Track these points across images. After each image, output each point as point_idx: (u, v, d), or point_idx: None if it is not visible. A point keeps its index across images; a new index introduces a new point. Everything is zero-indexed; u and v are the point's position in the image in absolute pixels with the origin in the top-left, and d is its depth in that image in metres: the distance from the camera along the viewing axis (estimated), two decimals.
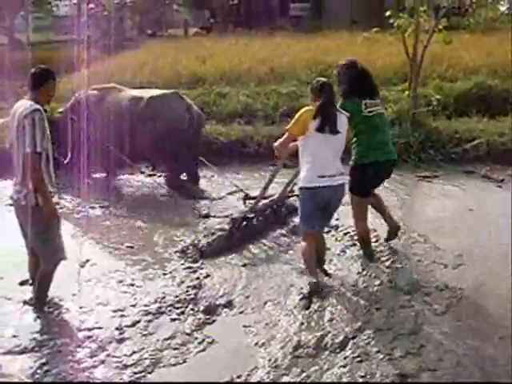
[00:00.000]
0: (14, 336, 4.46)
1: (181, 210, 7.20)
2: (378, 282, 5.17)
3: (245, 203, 6.73)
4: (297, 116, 5.14)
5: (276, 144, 5.30)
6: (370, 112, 5.57)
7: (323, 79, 5.36)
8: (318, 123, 5.00)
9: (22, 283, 5.23)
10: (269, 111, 10.81)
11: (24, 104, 4.67)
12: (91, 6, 30.40)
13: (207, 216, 6.98)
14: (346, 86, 5.68)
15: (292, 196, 6.67)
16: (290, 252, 5.92)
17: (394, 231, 5.97)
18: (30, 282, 5.19)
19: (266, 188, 6.32)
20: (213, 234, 6.11)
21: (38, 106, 4.62)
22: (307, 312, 4.72)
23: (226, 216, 6.67)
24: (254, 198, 6.56)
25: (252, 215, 6.36)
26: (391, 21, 9.93)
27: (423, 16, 9.91)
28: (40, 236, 4.79)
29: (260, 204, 6.42)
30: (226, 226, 6.16)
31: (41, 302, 4.90)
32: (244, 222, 6.26)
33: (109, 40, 24.52)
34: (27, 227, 4.77)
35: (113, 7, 28.08)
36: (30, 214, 4.66)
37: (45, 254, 4.87)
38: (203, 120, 8.44)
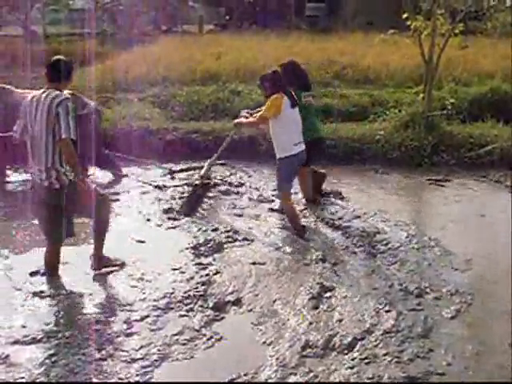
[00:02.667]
0: (23, 326, 4.47)
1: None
2: (387, 285, 5.16)
3: (173, 177, 8.00)
4: (271, 103, 6.24)
5: (246, 122, 6.93)
6: (306, 102, 6.89)
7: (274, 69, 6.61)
8: (290, 102, 6.26)
9: (32, 274, 5.26)
10: None
11: (50, 93, 4.86)
12: (107, 0, 30.53)
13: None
14: (289, 81, 6.59)
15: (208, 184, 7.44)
16: (300, 251, 5.91)
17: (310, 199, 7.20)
18: (42, 272, 5.25)
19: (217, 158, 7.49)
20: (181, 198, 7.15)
21: (68, 95, 4.89)
22: (316, 312, 4.71)
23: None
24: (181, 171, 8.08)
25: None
26: (408, 23, 9.90)
27: (440, 19, 9.86)
28: (57, 216, 5.07)
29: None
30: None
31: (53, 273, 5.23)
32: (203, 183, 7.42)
33: (124, 35, 24.59)
34: (50, 208, 5.05)
35: (129, 2, 28.16)
36: (58, 195, 4.97)
37: (50, 235, 5.20)
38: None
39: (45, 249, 5.36)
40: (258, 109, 7.04)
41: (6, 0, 25.66)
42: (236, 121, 7.10)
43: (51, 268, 5.27)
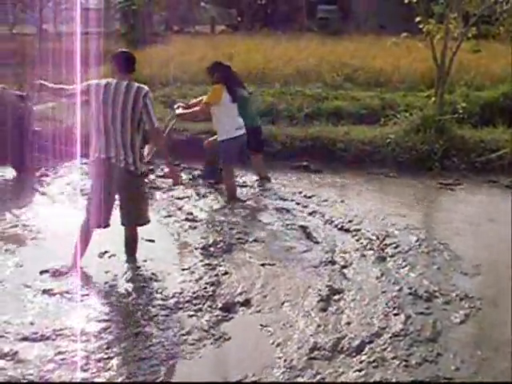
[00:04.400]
0: (32, 323, 4.49)
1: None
2: (397, 288, 5.15)
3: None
4: (213, 92, 7.28)
5: (188, 112, 7.57)
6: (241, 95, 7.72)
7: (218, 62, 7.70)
8: (230, 96, 7.30)
9: (42, 272, 5.29)
10: (293, 112, 10.80)
11: (131, 84, 5.27)
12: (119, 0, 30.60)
13: None
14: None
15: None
16: (309, 254, 5.91)
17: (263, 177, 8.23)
18: (52, 271, 5.28)
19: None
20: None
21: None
22: (324, 314, 4.71)
23: None
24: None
25: None
26: (420, 26, 9.88)
27: (452, 23, 9.84)
28: (135, 200, 5.47)
29: None
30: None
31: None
32: None
33: (136, 34, 24.65)
34: (124, 191, 5.41)
35: (141, 2, 28.21)
36: (134, 177, 5.39)
37: (134, 217, 5.54)
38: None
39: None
40: (193, 100, 8.01)
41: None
42: (178, 112, 7.63)
43: (135, 248, 5.61)
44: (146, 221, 5.62)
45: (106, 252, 5.71)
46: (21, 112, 8.34)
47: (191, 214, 6.87)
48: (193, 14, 34.06)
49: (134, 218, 5.57)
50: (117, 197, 5.52)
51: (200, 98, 7.74)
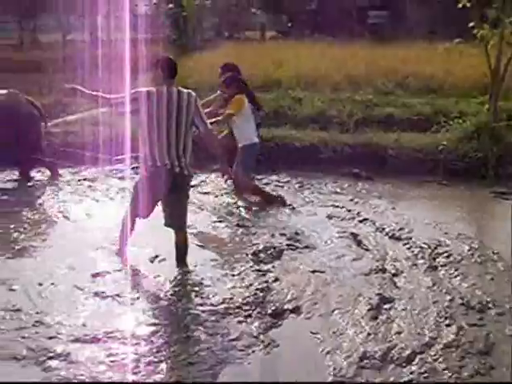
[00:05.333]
0: (84, 325, 4.56)
1: None
2: (448, 298, 5.06)
3: None
4: (237, 101, 7.67)
5: (218, 120, 7.73)
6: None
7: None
8: (251, 105, 7.90)
9: (95, 275, 5.39)
10: (343, 118, 10.74)
11: (181, 90, 5.46)
12: (170, 6, 30.95)
13: None
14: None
15: None
16: (360, 261, 5.87)
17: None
18: (104, 274, 5.38)
19: None
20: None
21: None
22: (375, 323, 4.65)
23: None
24: None
25: None
26: (474, 32, 9.72)
27: (508, 28, 9.65)
28: (185, 203, 5.67)
29: None
30: None
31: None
32: None
33: (186, 40, 24.89)
34: (176, 195, 5.52)
35: (192, 8, 28.47)
36: (188, 181, 5.66)
37: (183, 220, 5.66)
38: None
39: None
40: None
41: (74, 7, 26.31)
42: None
43: (185, 253, 5.68)
44: (185, 225, 5.74)
45: (156, 256, 5.79)
46: (30, 116, 8.54)
47: (242, 219, 6.91)
48: (243, 20, 34.24)
49: (183, 220, 5.67)
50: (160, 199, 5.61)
51: (211, 108, 7.99)
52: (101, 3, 27.47)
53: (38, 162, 8.77)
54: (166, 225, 5.67)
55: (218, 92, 8.42)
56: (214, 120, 7.52)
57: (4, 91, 8.59)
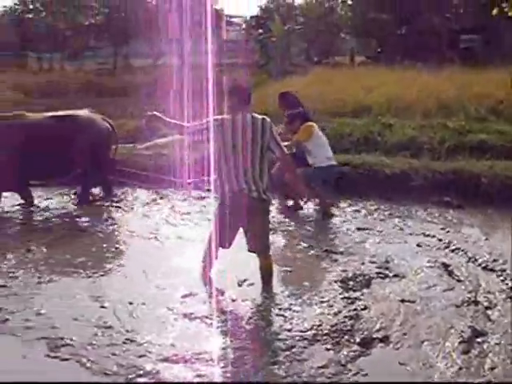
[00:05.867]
0: (172, 345, 4.66)
1: None
2: None
3: None
4: (306, 129, 8.21)
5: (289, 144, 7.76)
6: None
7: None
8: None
9: (184, 296, 5.50)
10: (435, 145, 10.53)
11: (255, 116, 5.55)
12: (259, 31, 31.44)
13: None
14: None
15: None
16: (451, 292, 5.72)
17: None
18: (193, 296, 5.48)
19: None
20: None
21: None
22: (467, 357, 4.52)
23: None
24: None
25: None
26: None
27: None
28: (266, 227, 5.74)
29: None
30: None
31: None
32: None
33: (275, 65, 25.19)
34: (256, 220, 5.59)
35: (281, 33, 28.82)
36: (266, 205, 5.71)
37: (266, 245, 5.73)
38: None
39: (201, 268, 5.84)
40: None
41: (165, 33, 27.11)
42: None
43: (270, 276, 5.77)
44: (268, 250, 5.80)
45: (245, 280, 5.84)
46: (103, 136, 8.84)
47: (331, 245, 6.88)
48: (332, 45, 34.35)
49: (266, 245, 5.74)
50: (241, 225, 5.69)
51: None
52: (191, 29, 28.21)
53: (101, 180, 9.12)
54: (249, 250, 5.74)
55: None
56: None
57: (81, 111, 8.92)
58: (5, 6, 50.57)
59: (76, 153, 8.36)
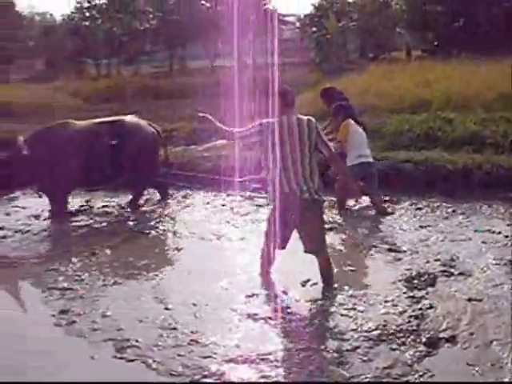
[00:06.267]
0: (237, 346, 4.66)
1: None
2: None
3: None
4: (343, 129, 8.12)
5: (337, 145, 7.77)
6: None
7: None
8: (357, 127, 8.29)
9: (248, 297, 5.51)
10: (498, 139, 10.26)
11: (301, 117, 5.64)
12: (314, 29, 31.31)
13: None
14: None
15: None
16: None
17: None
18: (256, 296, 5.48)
19: None
20: None
21: None
22: None
23: None
24: None
25: None
26: None
27: None
28: (320, 228, 5.74)
29: None
30: None
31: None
32: None
33: (331, 63, 25.06)
34: (310, 220, 5.59)
35: (335, 30, 28.67)
36: (320, 205, 5.72)
37: (322, 245, 5.72)
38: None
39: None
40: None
41: (221, 34, 27.30)
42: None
43: (331, 276, 5.74)
44: (325, 248, 5.80)
45: (308, 280, 5.81)
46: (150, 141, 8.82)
47: (394, 244, 6.79)
48: (388, 40, 33.90)
49: (322, 245, 5.73)
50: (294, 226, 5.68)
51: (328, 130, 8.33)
52: (247, 29, 28.31)
53: (152, 184, 9.17)
54: (305, 251, 5.73)
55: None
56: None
57: (127, 117, 8.97)
58: (62, 15, 51.74)
59: (123, 159, 8.42)
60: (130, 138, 8.48)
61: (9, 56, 41.96)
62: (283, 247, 5.73)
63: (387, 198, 8.55)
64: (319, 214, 5.74)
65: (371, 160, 8.24)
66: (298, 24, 38.69)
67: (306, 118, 5.65)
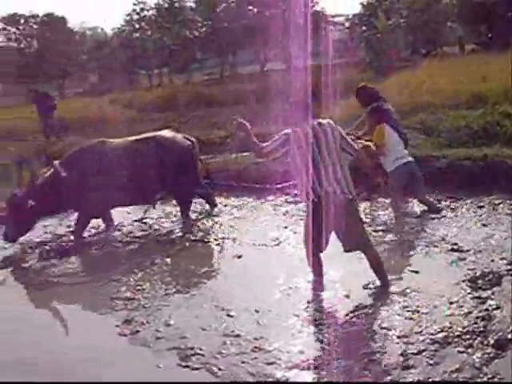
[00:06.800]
0: (301, 352, 4.65)
1: None
2: None
3: None
4: (378, 133, 7.89)
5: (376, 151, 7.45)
6: None
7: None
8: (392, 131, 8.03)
9: (310, 302, 5.51)
10: None
11: (326, 121, 5.76)
12: (363, 29, 31.05)
13: None
14: None
15: None
16: None
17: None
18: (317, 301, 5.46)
19: None
20: None
21: None
22: None
23: None
24: None
25: None
26: None
27: None
28: (358, 225, 5.77)
29: None
30: None
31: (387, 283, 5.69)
32: None
33: (382, 61, 24.79)
34: (347, 219, 5.64)
35: (385, 28, 28.34)
36: (354, 203, 5.78)
37: (364, 240, 5.76)
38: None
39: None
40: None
41: (270, 40, 27.36)
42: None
43: (383, 271, 5.75)
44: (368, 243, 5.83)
45: (369, 284, 5.74)
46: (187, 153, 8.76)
47: (456, 244, 6.64)
48: (439, 35, 33.37)
49: (363, 241, 5.76)
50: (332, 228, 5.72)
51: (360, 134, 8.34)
52: (295, 32, 28.30)
53: (196, 194, 9.16)
54: (346, 250, 5.78)
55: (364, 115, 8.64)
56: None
57: (163, 131, 9.02)
58: (113, 28, 52.76)
59: (160, 174, 8.43)
60: (166, 153, 8.48)
61: (63, 71, 43.10)
62: (324, 249, 5.80)
63: (447, 196, 8.39)
64: (356, 212, 5.81)
65: (409, 159, 8.04)
66: (347, 24, 38.45)
67: (325, 121, 5.77)
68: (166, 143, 8.63)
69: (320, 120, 5.76)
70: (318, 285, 5.84)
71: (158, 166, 8.38)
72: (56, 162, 8.29)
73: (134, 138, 8.72)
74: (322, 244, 5.75)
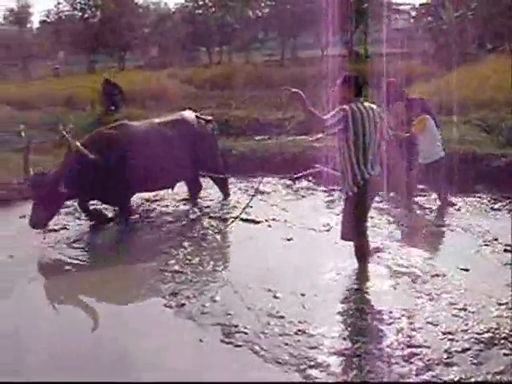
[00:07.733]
0: (344, 339, 4.69)
1: None
2: None
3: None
4: (421, 122, 8.03)
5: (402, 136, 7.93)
6: None
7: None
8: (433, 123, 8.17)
9: (355, 290, 5.50)
10: None
11: (370, 106, 5.81)
12: (429, 19, 30.48)
13: None
14: None
15: None
16: None
17: None
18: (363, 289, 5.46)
19: None
20: None
21: None
22: None
23: None
24: None
25: None
26: None
27: None
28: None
29: None
30: None
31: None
32: None
33: (446, 54, 24.29)
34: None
35: (452, 20, 27.76)
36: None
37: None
38: None
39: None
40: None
41: (332, 24, 27.05)
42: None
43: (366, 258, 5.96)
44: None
45: (418, 277, 5.71)
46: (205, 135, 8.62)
47: (509, 245, 6.49)
48: (508, 30, 32.49)
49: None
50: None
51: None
52: (358, 19, 27.99)
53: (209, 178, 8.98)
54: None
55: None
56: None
57: (185, 113, 8.80)
58: (176, 4, 53.02)
59: (183, 156, 8.28)
60: (188, 135, 8.37)
61: (125, 43, 43.49)
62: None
63: (503, 196, 8.23)
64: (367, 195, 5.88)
65: (442, 155, 8.12)
66: (413, 13, 37.83)
67: (370, 105, 5.83)
68: (186, 124, 8.50)
69: (365, 103, 5.80)
70: (364, 273, 5.84)
71: (180, 148, 8.24)
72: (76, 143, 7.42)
73: (156, 120, 8.53)
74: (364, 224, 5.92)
